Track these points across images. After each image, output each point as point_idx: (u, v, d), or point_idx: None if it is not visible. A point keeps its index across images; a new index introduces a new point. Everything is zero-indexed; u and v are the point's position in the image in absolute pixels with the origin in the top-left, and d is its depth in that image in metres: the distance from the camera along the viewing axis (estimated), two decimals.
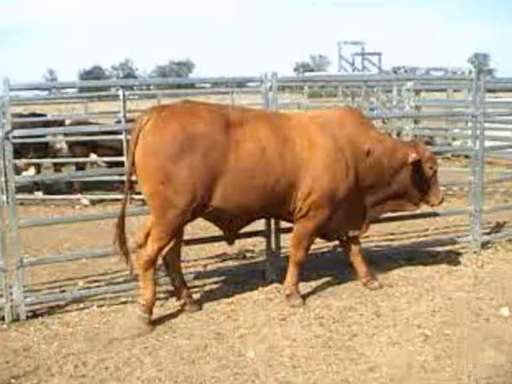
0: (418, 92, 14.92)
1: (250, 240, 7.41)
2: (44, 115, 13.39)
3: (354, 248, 6.42)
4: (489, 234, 8.05)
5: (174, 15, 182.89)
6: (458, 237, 7.82)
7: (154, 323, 5.50)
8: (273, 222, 6.54)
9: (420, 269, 6.85)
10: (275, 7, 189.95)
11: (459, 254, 7.32)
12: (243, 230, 6.16)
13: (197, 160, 5.33)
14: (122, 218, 5.62)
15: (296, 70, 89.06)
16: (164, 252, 5.83)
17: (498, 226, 8.61)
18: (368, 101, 20.06)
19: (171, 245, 5.82)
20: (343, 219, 6.13)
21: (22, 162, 11.55)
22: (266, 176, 5.58)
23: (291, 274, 6.06)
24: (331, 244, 7.42)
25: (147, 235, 5.55)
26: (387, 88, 18.15)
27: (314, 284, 6.45)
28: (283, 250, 6.90)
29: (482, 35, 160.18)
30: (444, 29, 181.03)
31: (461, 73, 21.26)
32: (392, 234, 8.13)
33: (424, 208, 6.65)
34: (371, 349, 4.95)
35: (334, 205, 5.87)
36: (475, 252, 7.36)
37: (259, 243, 7.19)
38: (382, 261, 7.05)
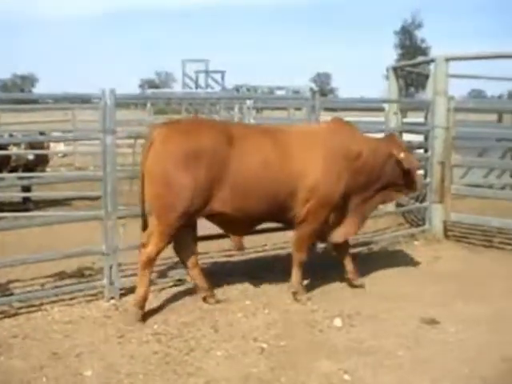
0: (259, 110, 15.27)
1: (88, 258, 7.31)
2: None
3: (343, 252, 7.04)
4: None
5: (18, 26, 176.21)
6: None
7: None
8: (114, 240, 6.48)
9: (258, 283, 6.99)
10: (122, 23, 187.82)
11: None
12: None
13: (198, 170, 5.85)
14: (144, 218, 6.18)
15: (141, 86, 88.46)
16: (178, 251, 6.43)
17: None
18: (210, 118, 20.25)
19: (184, 243, 6.37)
20: (340, 218, 6.73)
21: None
22: (267, 186, 6.14)
23: (295, 274, 6.60)
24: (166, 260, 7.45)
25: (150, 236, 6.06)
26: (229, 106, 18.45)
27: (153, 300, 6.42)
28: (122, 268, 6.87)
29: (325, 56, 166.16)
30: (288, 48, 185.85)
31: (303, 92, 21.94)
32: (231, 249, 8.24)
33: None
34: (208, 363, 5.01)
35: (330, 208, 6.48)
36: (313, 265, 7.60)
37: (98, 261, 7.10)
38: (221, 276, 7.14)
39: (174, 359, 5.08)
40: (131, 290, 6.58)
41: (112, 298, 6.47)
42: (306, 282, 6.92)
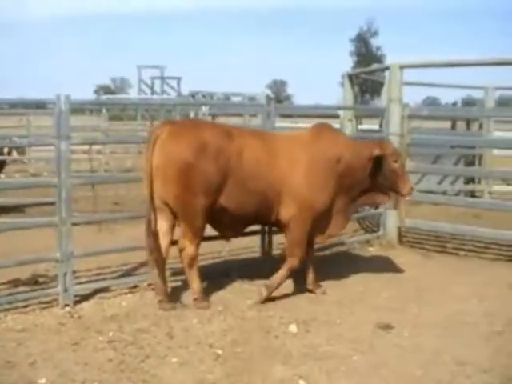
0: (214, 116, 15.26)
1: (43, 265, 7.25)
2: None
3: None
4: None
5: None
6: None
7: None
8: (68, 247, 6.41)
9: (213, 289, 6.97)
10: (78, 28, 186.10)
11: (254, 274, 7.50)
12: None
13: (209, 164, 6.12)
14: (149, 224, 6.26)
15: (96, 92, 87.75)
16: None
17: None
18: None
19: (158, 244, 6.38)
20: (326, 222, 6.88)
21: None
22: (259, 181, 6.40)
23: (280, 274, 6.70)
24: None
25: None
26: (185, 112, 18.44)
27: (107, 307, 6.41)
28: (77, 274, 6.81)
29: (282, 63, 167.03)
30: (245, 55, 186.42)
31: (259, 98, 21.99)
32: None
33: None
34: (164, 370, 4.98)
35: (315, 214, 6.62)
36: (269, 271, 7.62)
37: (52, 268, 7.02)
38: (176, 282, 7.13)
39: (128, 366, 5.04)
40: (86, 298, 6.57)
41: (66, 305, 6.38)
42: (259, 287, 6.94)
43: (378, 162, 6.77)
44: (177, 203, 6.21)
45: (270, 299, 6.67)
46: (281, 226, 6.82)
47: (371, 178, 6.84)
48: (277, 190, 6.50)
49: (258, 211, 6.56)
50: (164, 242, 6.40)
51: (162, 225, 6.38)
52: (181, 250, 6.40)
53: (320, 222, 6.77)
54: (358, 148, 6.88)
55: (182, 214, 6.26)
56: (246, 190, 6.36)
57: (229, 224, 6.60)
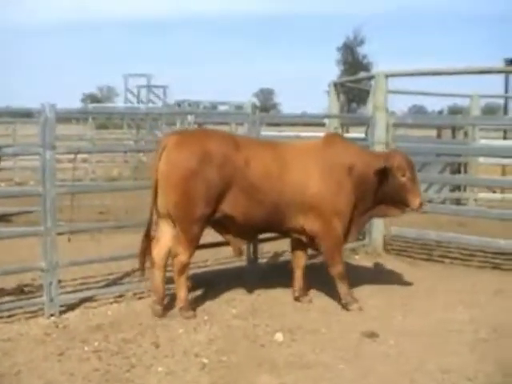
0: (200, 125, 15.26)
1: (29, 274, 7.22)
2: None
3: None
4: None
5: None
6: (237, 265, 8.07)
7: None
8: (53, 257, 6.39)
9: (199, 299, 6.99)
10: (65, 36, 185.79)
11: (240, 282, 7.51)
12: None
13: (212, 173, 6.19)
14: (147, 231, 6.46)
15: (83, 100, 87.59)
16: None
17: None
18: (152, 133, 20.25)
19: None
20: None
21: None
22: (268, 192, 6.44)
23: (340, 287, 6.83)
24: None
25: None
26: (171, 121, 18.46)
27: (93, 317, 6.39)
28: (63, 284, 6.80)
29: (269, 71, 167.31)
30: (232, 64, 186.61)
31: (246, 107, 22.00)
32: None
33: None
34: (149, 379, 4.97)
35: (342, 218, 6.69)
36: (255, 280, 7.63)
37: (39, 277, 6.98)
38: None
39: (114, 376, 5.02)
40: (71, 307, 6.54)
41: (52, 315, 6.35)
42: (244, 296, 6.99)
43: (384, 175, 6.75)
44: (176, 210, 6.26)
45: (256, 308, 6.71)
46: (306, 236, 6.81)
47: (380, 191, 6.82)
48: (289, 200, 6.53)
49: (267, 221, 6.62)
50: (164, 249, 6.47)
51: (167, 232, 6.46)
52: (174, 257, 6.41)
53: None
54: (368, 158, 6.90)
55: (180, 222, 6.29)
56: (254, 200, 6.41)
57: (237, 233, 6.66)
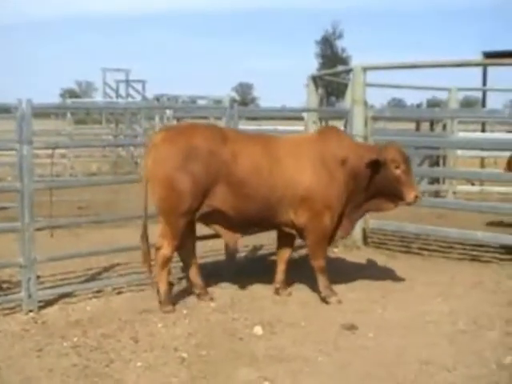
0: (179, 119, 15.24)
1: (7, 270, 7.19)
2: None
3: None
4: None
5: None
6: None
7: None
8: (32, 252, 6.35)
9: (178, 292, 6.99)
10: (42, 32, 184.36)
11: (219, 277, 7.51)
12: None
13: (198, 168, 6.23)
14: (145, 228, 6.52)
15: (62, 95, 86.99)
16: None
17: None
18: (131, 128, 20.16)
19: (185, 244, 6.68)
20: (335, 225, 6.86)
21: None
22: (258, 187, 6.44)
23: (320, 280, 6.86)
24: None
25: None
26: (150, 115, 18.40)
27: (71, 313, 6.37)
28: (41, 280, 6.78)
29: (248, 65, 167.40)
30: (211, 58, 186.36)
31: (225, 101, 21.99)
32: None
33: None
34: (128, 374, 4.96)
35: (331, 212, 6.66)
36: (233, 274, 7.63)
37: (16, 273, 6.95)
38: (140, 286, 7.13)
39: (93, 371, 5.01)
40: (50, 303, 6.52)
41: (30, 310, 6.32)
42: (223, 290, 7.00)
43: (378, 168, 6.70)
44: (162, 204, 6.35)
45: (235, 302, 6.73)
46: (297, 230, 6.82)
47: (375, 184, 6.78)
48: (281, 194, 6.53)
49: (259, 215, 6.61)
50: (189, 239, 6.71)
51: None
52: (157, 249, 6.45)
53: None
54: (362, 151, 6.85)
55: (166, 215, 6.36)
56: (243, 194, 6.41)
57: (228, 227, 6.68)
